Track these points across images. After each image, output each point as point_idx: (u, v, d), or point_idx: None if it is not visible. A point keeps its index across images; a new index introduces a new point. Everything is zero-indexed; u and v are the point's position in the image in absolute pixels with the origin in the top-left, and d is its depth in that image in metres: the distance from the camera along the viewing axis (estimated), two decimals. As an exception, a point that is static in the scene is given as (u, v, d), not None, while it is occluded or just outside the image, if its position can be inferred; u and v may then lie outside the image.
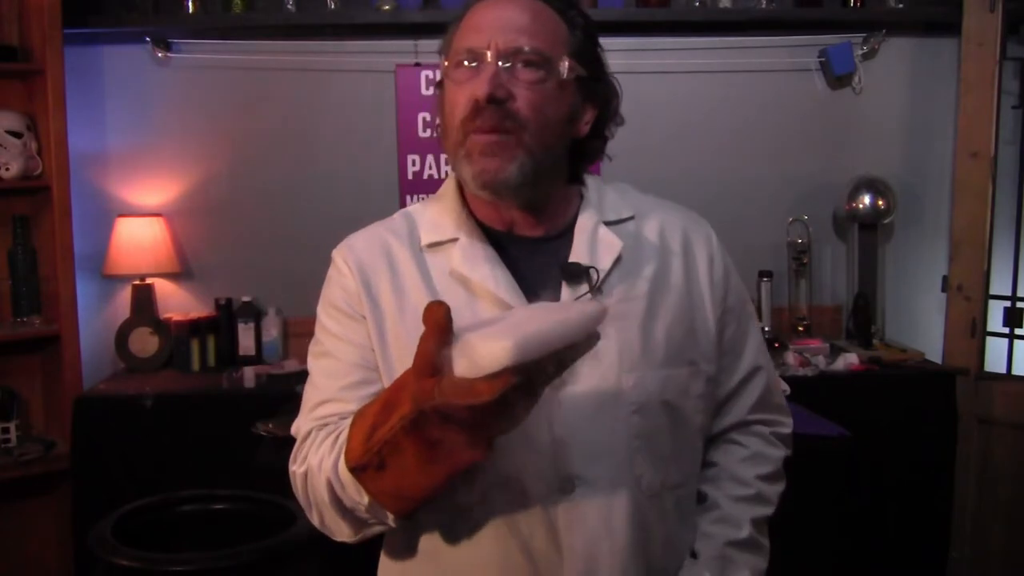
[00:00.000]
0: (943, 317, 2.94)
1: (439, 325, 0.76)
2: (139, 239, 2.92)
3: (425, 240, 1.07)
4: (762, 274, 3.04)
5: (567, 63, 1.01)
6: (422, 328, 0.96)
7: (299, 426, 1.04)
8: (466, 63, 1.00)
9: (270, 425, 2.20)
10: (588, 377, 0.99)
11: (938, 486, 2.74)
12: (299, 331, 3.05)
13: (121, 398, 2.63)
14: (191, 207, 3.06)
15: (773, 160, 3.13)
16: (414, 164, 3.07)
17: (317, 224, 3.00)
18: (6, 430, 2.65)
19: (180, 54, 3.01)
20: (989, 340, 2.87)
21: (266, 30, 2.99)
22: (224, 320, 2.99)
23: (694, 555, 1.07)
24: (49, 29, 2.61)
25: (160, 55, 2.98)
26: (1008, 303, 2.90)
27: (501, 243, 1.06)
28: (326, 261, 1.13)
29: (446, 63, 1.03)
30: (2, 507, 2.66)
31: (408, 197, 3.05)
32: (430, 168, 3.08)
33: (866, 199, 3.00)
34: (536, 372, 0.76)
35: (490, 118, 0.97)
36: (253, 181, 3.07)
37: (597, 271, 1.03)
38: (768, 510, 1.13)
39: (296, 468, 1.01)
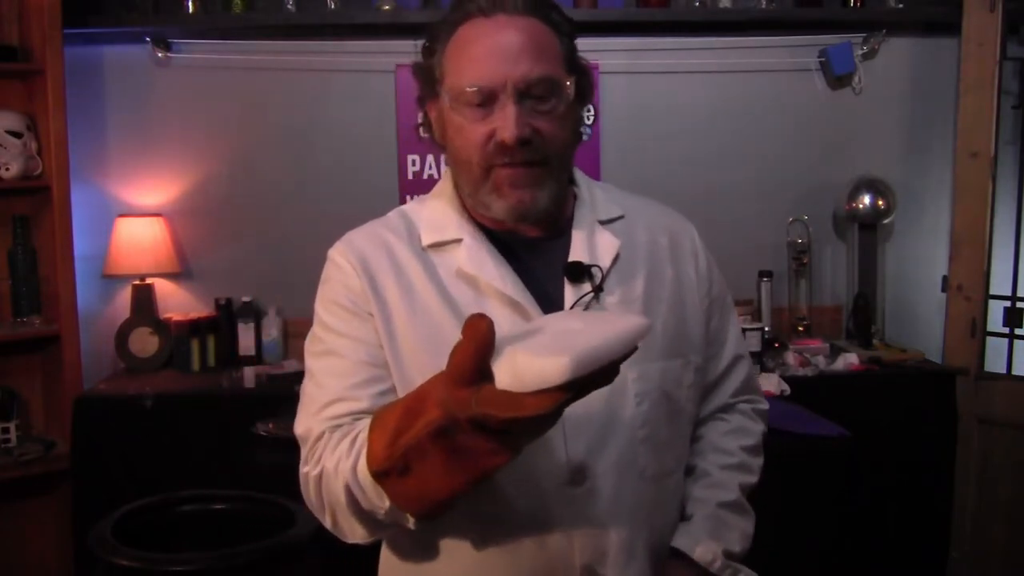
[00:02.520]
0: (943, 317, 2.94)
1: (483, 338, 0.76)
2: (139, 239, 2.92)
3: (427, 240, 1.08)
4: (762, 274, 3.05)
5: (571, 81, 1.03)
6: (433, 327, 1.02)
7: (309, 427, 1.02)
8: (477, 100, 1.00)
9: (270, 425, 2.20)
10: None
11: (938, 486, 2.74)
12: (299, 331, 3.05)
13: (121, 398, 2.63)
14: (191, 207, 3.06)
15: (773, 160, 3.13)
16: (414, 164, 3.08)
17: (317, 224, 3.00)
18: (6, 430, 2.65)
19: (180, 54, 3.01)
20: (989, 340, 2.87)
21: (266, 30, 2.99)
22: (224, 320, 2.99)
23: (685, 519, 1.11)
24: (49, 29, 2.61)
25: (160, 55, 2.98)
26: (1008, 303, 2.90)
27: (503, 243, 1.07)
28: (326, 261, 1.12)
29: (446, 90, 1.02)
30: (2, 507, 2.66)
31: (408, 197, 3.05)
32: (430, 168, 3.08)
33: (866, 199, 3.00)
34: (583, 387, 0.75)
35: (519, 156, 0.99)
36: (253, 181, 3.07)
37: (601, 270, 1.05)
38: (753, 479, 1.18)
39: (309, 470, 0.99)
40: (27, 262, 2.74)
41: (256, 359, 2.97)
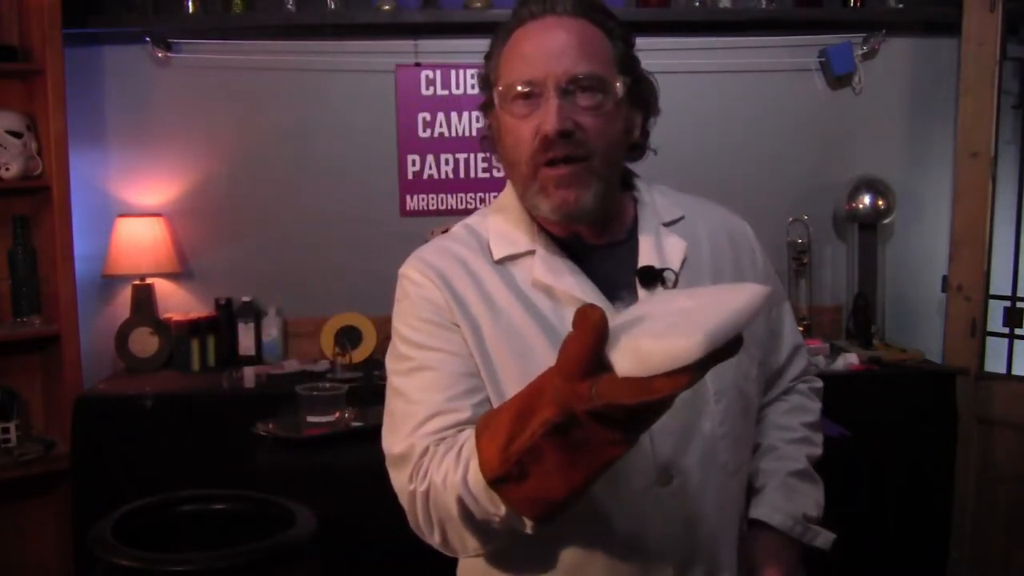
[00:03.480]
0: (943, 317, 2.94)
1: (598, 328, 0.74)
2: (139, 239, 2.92)
3: (500, 253, 1.09)
4: (762, 274, 3.04)
5: (620, 81, 1.04)
6: (519, 338, 1.04)
7: (411, 444, 0.99)
8: (524, 97, 1.02)
9: (270, 425, 2.20)
10: None
11: (938, 486, 2.74)
12: (299, 331, 3.06)
13: (121, 398, 2.63)
14: (191, 207, 3.06)
15: (773, 160, 3.13)
16: (414, 164, 3.07)
17: (317, 224, 3.01)
18: (6, 430, 2.65)
19: (180, 54, 3.01)
20: (989, 340, 2.87)
21: (266, 30, 2.99)
22: (224, 320, 2.99)
23: (755, 492, 1.16)
24: (49, 29, 2.61)
25: (160, 55, 2.98)
26: (1008, 303, 2.90)
27: (573, 252, 1.09)
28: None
29: (498, 92, 1.05)
30: (2, 507, 2.66)
31: (408, 197, 3.05)
32: (430, 168, 3.08)
33: (866, 199, 3.00)
34: (710, 362, 0.72)
35: (561, 150, 1.00)
36: (253, 181, 3.07)
37: (674, 272, 1.07)
38: (818, 451, 1.22)
39: (416, 487, 0.97)
40: (27, 262, 2.74)
41: (256, 359, 2.97)
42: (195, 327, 2.92)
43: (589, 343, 0.74)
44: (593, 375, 0.74)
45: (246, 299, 3.00)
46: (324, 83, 3.04)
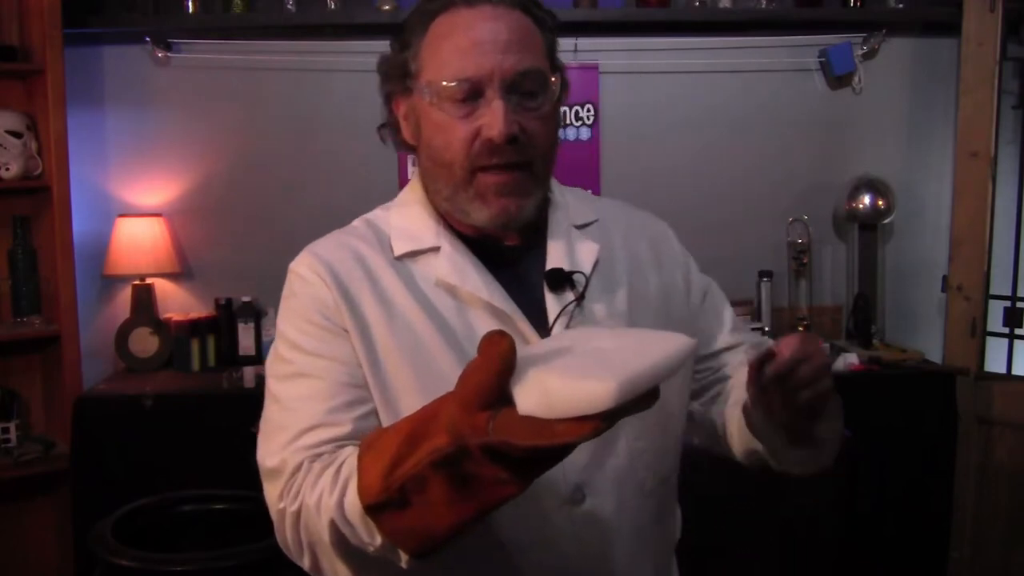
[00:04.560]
0: (943, 317, 2.94)
1: (505, 358, 0.68)
2: (139, 239, 2.92)
3: (400, 250, 1.01)
4: (762, 274, 3.05)
5: (555, 78, 0.98)
6: (415, 341, 0.95)
7: (284, 459, 0.91)
8: (461, 94, 0.93)
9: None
10: None
11: (938, 486, 2.73)
12: (299, 331, 3.05)
13: (121, 398, 2.62)
14: (191, 207, 3.06)
15: (773, 160, 3.13)
16: (414, 164, 3.06)
17: (317, 224, 2.97)
18: (6, 430, 2.65)
19: (180, 54, 3.01)
20: (989, 340, 2.87)
21: (266, 30, 2.98)
22: (224, 320, 2.99)
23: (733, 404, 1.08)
24: (49, 29, 2.61)
25: (160, 55, 2.98)
26: (1008, 303, 2.90)
27: (479, 251, 1.02)
28: (287, 276, 1.06)
29: (423, 85, 0.96)
30: (2, 507, 2.66)
31: (408, 197, 3.05)
32: (430, 168, 3.07)
33: (866, 199, 3.00)
34: (622, 414, 0.67)
35: (507, 156, 0.94)
36: (253, 181, 3.07)
37: (584, 276, 1.01)
38: None
39: (287, 506, 0.89)
40: (27, 262, 2.74)
41: (256, 359, 2.96)
42: (195, 327, 2.92)
43: (492, 373, 0.68)
44: (493, 407, 0.69)
45: (246, 299, 3.00)
46: (324, 83, 3.04)
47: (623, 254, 1.07)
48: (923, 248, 3.16)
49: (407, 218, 1.05)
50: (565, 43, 3.01)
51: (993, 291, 2.87)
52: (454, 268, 0.99)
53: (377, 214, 1.09)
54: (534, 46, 0.97)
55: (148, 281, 2.98)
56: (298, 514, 0.87)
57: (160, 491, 2.12)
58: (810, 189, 3.14)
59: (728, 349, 1.15)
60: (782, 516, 2.25)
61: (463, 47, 0.93)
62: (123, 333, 2.93)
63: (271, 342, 3.38)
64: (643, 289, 1.06)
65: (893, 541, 2.70)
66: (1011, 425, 2.74)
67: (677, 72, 3.02)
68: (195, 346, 2.91)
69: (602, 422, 0.65)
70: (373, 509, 0.78)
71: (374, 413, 0.95)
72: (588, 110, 3.05)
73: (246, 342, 2.98)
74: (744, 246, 3.07)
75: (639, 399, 0.67)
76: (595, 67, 3.03)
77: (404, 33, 1.00)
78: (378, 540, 0.80)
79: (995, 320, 2.89)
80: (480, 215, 0.97)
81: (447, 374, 0.92)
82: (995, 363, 2.88)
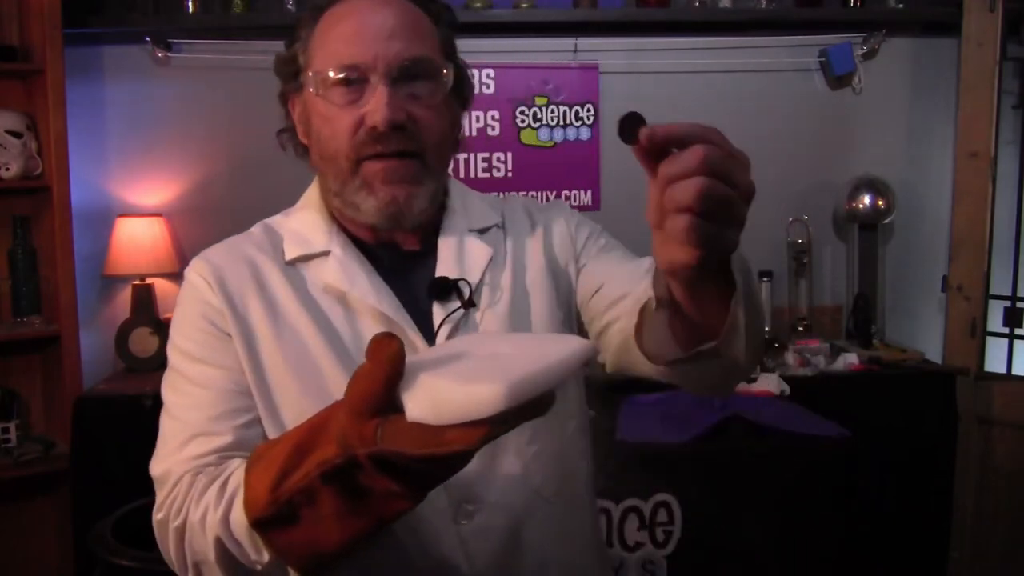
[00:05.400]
0: (943, 317, 2.94)
1: (393, 362, 0.65)
2: (139, 239, 2.92)
3: (291, 254, 0.99)
4: (762, 274, 3.05)
5: (448, 69, 0.96)
6: (301, 348, 0.91)
7: (167, 469, 0.88)
8: (344, 83, 0.91)
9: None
10: None
11: (938, 486, 2.74)
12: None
13: (121, 398, 2.62)
14: (191, 207, 3.06)
15: (773, 160, 3.13)
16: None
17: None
18: (6, 430, 2.65)
19: (180, 54, 3.01)
20: (989, 340, 2.87)
21: (266, 30, 2.98)
22: (224, 320, 2.98)
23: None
24: (49, 29, 2.61)
25: (160, 55, 2.98)
26: (1008, 303, 2.90)
27: (374, 256, 0.99)
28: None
29: (310, 76, 0.94)
30: (2, 507, 2.66)
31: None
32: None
33: (866, 199, 3.00)
34: (514, 419, 0.64)
35: (393, 144, 0.90)
36: (253, 181, 3.06)
37: (469, 284, 0.96)
38: None
39: (166, 519, 0.85)
40: (27, 262, 2.74)
41: (256, 359, 2.96)
42: (195, 327, 2.92)
43: (380, 378, 0.65)
44: (383, 415, 0.66)
45: (246, 299, 3.00)
46: (324, 83, 3.04)
47: (520, 255, 1.02)
48: (923, 248, 3.16)
49: (301, 222, 1.02)
50: (565, 43, 3.02)
51: (993, 291, 2.87)
52: (343, 273, 0.95)
53: (276, 219, 1.07)
54: (423, 35, 0.94)
55: (148, 281, 2.98)
56: (182, 530, 0.83)
57: (160, 491, 2.12)
58: (810, 189, 3.14)
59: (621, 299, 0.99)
60: (782, 516, 2.25)
61: (347, 35, 0.91)
62: (123, 333, 2.93)
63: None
64: (523, 267, 1.01)
65: (893, 541, 2.70)
66: (1011, 425, 2.74)
67: (677, 72, 3.02)
68: (195, 346, 2.91)
69: (492, 427, 0.62)
70: (260, 524, 0.75)
71: (258, 421, 0.92)
72: (588, 110, 3.05)
73: (246, 342, 2.98)
74: (744, 246, 3.03)
75: (533, 404, 0.64)
76: (595, 67, 3.03)
77: (296, 30, 0.99)
78: (265, 557, 0.77)
79: (995, 320, 2.90)
80: (367, 205, 0.93)
81: (333, 383, 0.89)
82: (995, 363, 2.88)
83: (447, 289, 0.96)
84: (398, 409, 0.66)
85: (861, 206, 3.00)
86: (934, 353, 2.96)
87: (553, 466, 0.96)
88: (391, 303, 0.94)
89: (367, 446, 0.66)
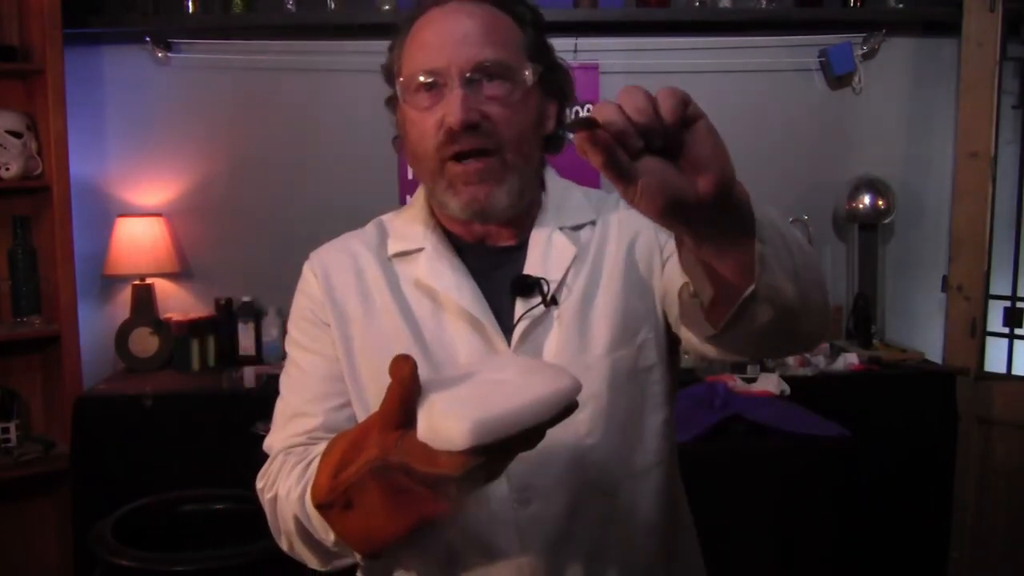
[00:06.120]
0: (943, 317, 2.94)
1: (406, 382, 0.71)
2: (139, 239, 2.92)
3: (392, 249, 1.05)
4: (762, 274, 3.04)
5: (529, 69, 0.98)
6: (388, 339, 0.97)
7: (271, 444, 1.01)
8: (426, 88, 0.96)
9: (270, 425, 2.20)
10: None
11: (938, 486, 2.74)
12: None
13: (121, 398, 2.62)
14: (191, 207, 3.06)
15: (773, 160, 3.13)
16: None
17: (317, 224, 2.98)
18: (6, 430, 2.65)
19: (180, 54, 3.01)
20: (989, 340, 2.87)
21: (266, 30, 2.99)
22: (224, 320, 2.99)
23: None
24: (49, 29, 2.61)
25: (160, 55, 2.98)
26: (1008, 303, 2.90)
27: (468, 253, 1.03)
28: None
29: (400, 84, 0.99)
30: (2, 507, 2.66)
31: (408, 197, 3.03)
32: (430, 168, 3.08)
33: (866, 199, 3.00)
34: (499, 451, 0.68)
35: (468, 143, 0.94)
36: (253, 181, 3.07)
37: (547, 282, 0.99)
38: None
39: (264, 489, 0.96)
40: (27, 262, 2.74)
41: (256, 359, 2.97)
42: (195, 327, 2.92)
43: (396, 396, 0.72)
44: (404, 427, 0.72)
45: (246, 299, 3.00)
46: (324, 83, 3.04)
47: (602, 255, 1.03)
48: (923, 248, 3.16)
49: (405, 219, 1.08)
50: (565, 43, 3.02)
51: (993, 291, 2.87)
52: (432, 270, 1.01)
53: (390, 216, 1.12)
54: (500, 38, 0.97)
55: (148, 281, 2.98)
56: (274, 502, 0.93)
57: (160, 491, 2.12)
58: (810, 189, 3.14)
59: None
60: (782, 516, 2.25)
61: (426, 43, 0.97)
62: (123, 333, 2.93)
63: (271, 342, 3.37)
64: (601, 264, 1.02)
65: (893, 541, 2.70)
66: (1011, 425, 2.74)
67: (677, 72, 3.02)
68: (195, 346, 2.91)
69: (472, 459, 0.66)
70: (322, 507, 0.82)
71: (348, 405, 1.00)
72: (588, 110, 3.05)
73: (246, 342, 2.99)
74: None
75: (510, 440, 0.67)
76: (595, 67, 3.03)
77: (394, 38, 1.04)
78: (331, 537, 0.84)
79: (995, 320, 2.90)
80: (453, 204, 0.97)
81: None
82: (995, 363, 2.88)
83: (530, 286, 0.99)
84: (415, 425, 0.72)
85: (861, 206, 3.00)
86: (934, 353, 2.96)
87: (611, 461, 0.98)
88: (475, 300, 0.99)
89: (392, 454, 0.73)
